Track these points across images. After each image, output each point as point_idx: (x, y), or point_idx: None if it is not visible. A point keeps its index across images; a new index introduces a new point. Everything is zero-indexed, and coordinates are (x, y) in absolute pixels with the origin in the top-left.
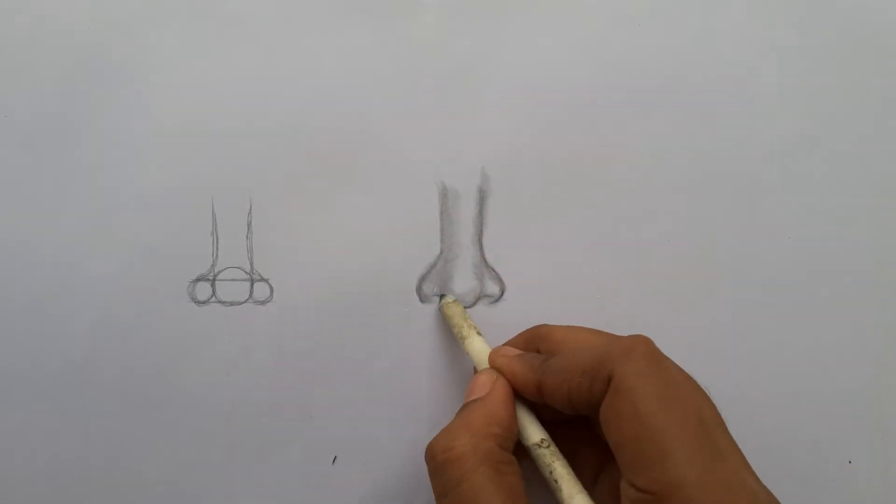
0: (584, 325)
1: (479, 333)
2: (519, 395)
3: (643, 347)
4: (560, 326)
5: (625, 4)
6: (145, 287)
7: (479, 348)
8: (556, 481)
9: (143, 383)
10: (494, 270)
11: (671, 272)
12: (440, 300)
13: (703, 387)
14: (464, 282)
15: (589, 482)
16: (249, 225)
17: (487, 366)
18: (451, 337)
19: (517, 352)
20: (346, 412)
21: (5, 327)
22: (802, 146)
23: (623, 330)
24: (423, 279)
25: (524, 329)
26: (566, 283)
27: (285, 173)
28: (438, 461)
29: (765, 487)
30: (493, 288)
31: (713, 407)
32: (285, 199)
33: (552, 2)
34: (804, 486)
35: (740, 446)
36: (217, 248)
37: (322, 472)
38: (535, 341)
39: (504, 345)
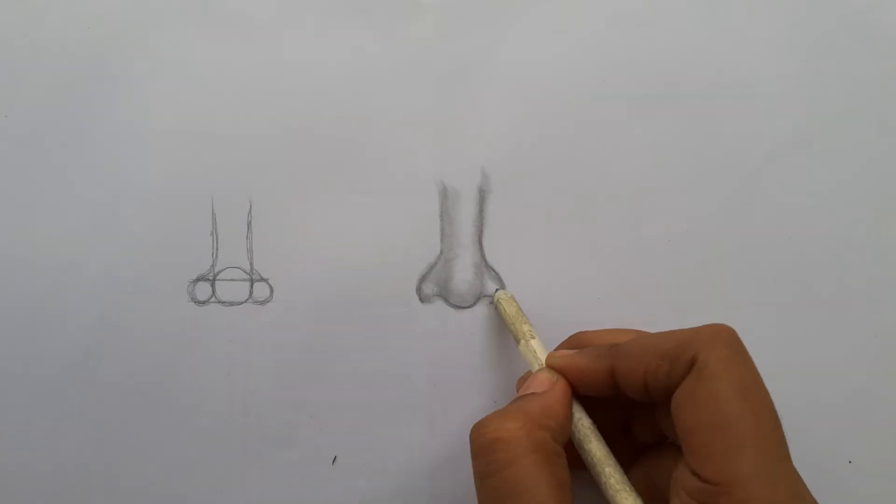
0: (584, 327)
1: (534, 336)
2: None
3: (729, 336)
4: (601, 330)
5: (625, 4)
6: (145, 287)
7: (539, 350)
8: (602, 473)
9: (142, 383)
10: (494, 270)
11: (671, 272)
12: (495, 293)
13: None
14: (464, 282)
15: (645, 445)
16: (249, 225)
17: (545, 366)
18: (450, 337)
19: (573, 352)
20: (346, 412)
21: (5, 327)
22: (802, 146)
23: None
24: (423, 279)
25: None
26: (566, 282)
27: (285, 173)
28: (487, 439)
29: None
30: (493, 288)
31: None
32: (285, 199)
33: (552, 2)
34: None
35: None
36: (217, 248)
37: (322, 472)
38: (578, 346)
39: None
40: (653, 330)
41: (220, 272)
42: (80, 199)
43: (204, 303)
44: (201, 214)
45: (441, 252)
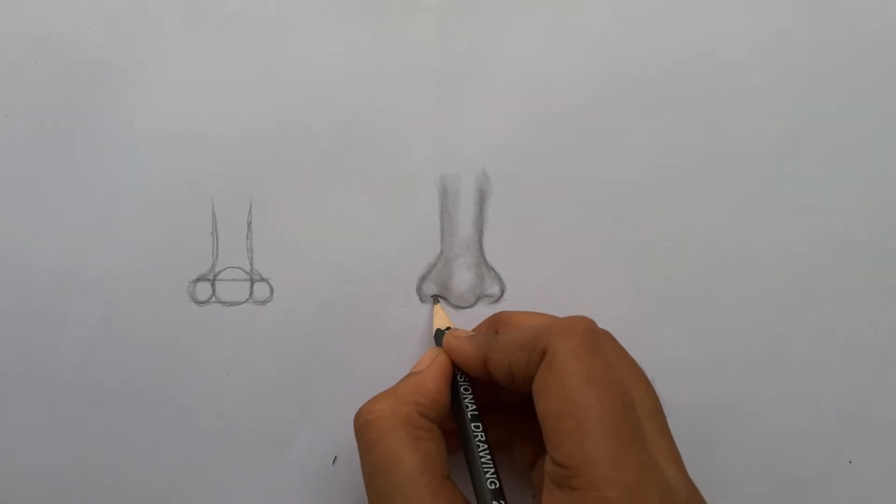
0: None
1: (449, 327)
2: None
3: (581, 326)
4: (519, 311)
5: (625, 5)
6: (146, 287)
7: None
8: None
9: (143, 383)
10: (494, 270)
11: (671, 272)
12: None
13: (649, 378)
14: (464, 282)
15: (527, 466)
16: (249, 225)
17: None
18: None
19: (470, 333)
20: (346, 412)
21: (6, 328)
22: (802, 146)
23: (623, 329)
24: (423, 279)
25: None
26: (566, 283)
27: (285, 173)
28: (360, 423)
29: (688, 482)
30: (493, 288)
31: (648, 395)
32: (285, 199)
33: (552, 2)
34: (804, 486)
35: (740, 446)
36: (217, 249)
37: (322, 472)
38: (495, 327)
39: (469, 330)
40: (650, 330)
41: (220, 272)
42: (80, 200)
43: (204, 303)
44: (201, 214)
45: (441, 252)
